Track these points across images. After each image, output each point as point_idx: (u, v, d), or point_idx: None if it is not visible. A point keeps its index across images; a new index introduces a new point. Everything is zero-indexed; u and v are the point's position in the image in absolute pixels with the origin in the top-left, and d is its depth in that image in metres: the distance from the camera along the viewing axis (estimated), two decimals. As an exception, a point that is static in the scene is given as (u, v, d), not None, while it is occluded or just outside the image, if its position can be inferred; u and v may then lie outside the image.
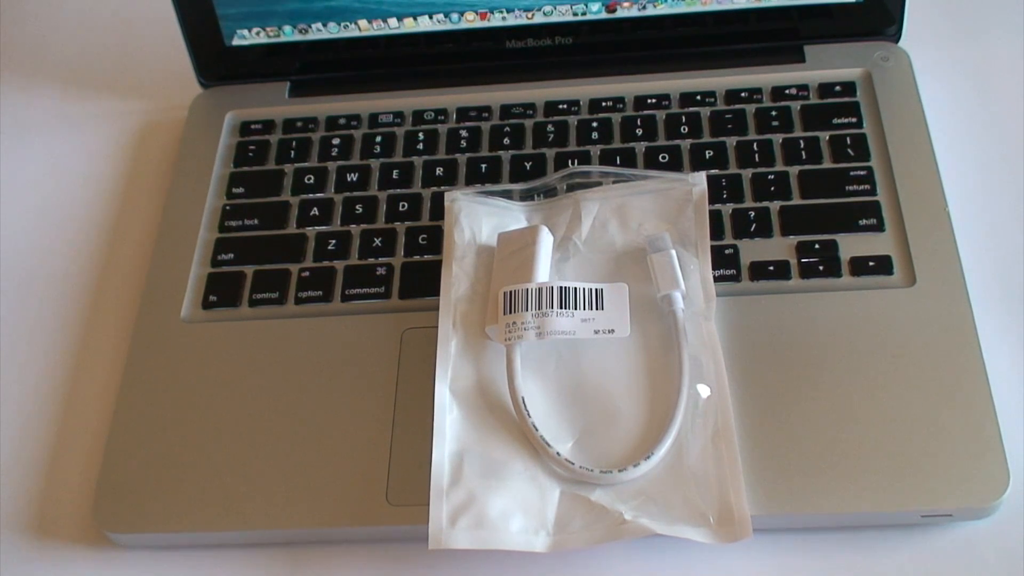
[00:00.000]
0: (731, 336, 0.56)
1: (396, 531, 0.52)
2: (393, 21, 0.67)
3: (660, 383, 0.54)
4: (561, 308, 0.54)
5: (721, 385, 0.53)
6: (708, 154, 0.63)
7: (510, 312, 0.55)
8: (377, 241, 0.62)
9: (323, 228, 0.63)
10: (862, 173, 0.61)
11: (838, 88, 0.65)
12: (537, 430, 0.52)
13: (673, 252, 0.56)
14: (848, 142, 0.62)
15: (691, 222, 0.58)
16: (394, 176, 0.65)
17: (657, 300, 0.56)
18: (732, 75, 0.66)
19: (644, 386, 0.54)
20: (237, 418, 0.56)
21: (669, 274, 0.56)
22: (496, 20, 0.67)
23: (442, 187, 0.64)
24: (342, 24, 0.67)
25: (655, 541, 0.50)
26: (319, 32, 0.68)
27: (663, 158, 0.63)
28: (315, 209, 0.64)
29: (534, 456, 0.52)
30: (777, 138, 0.63)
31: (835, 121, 0.63)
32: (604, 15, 0.66)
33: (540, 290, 0.55)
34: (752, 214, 0.60)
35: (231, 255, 0.63)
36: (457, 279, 0.58)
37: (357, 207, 0.64)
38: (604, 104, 0.66)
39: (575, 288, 0.55)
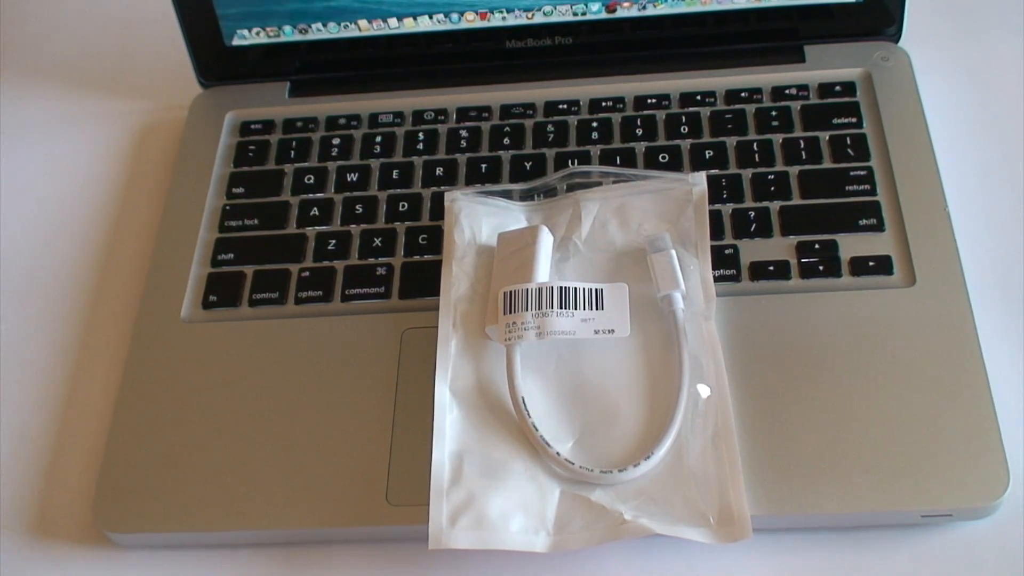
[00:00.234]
0: (731, 336, 0.56)
1: (396, 531, 0.52)
2: (393, 21, 0.67)
3: (660, 383, 0.54)
4: (561, 308, 0.54)
5: (721, 385, 0.53)
6: (708, 154, 0.63)
7: (510, 312, 0.55)
8: (377, 241, 0.62)
9: (323, 228, 0.63)
10: (862, 173, 0.61)
11: (838, 88, 0.65)
12: (537, 430, 0.52)
13: (673, 252, 0.56)
14: (848, 142, 0.62)
15: (691, 222, 0.58)
16: (394, 176, 0.65)
17: (657, 300, 0.56)
18: (732, 75, 0.66)
19: (644, 386, 0.54)
20: (237, 418, 0.56)
21: (669, 274, 0.56)
22: (496, 20, 0.67)
23: (442, 187, 0.64)
24: (342, 24, 0.67)
25: (655, 541, 0.50)
26: (319, 32, 0.68)
27: (663, 158, 0.63)
28: (315, 209, 0.64)
29: (534, 456, 0.52)
30: (777, 138, 0.63)
31: (835, 121, 0.63)
32: (604, 15, 0.66)
33: (540, 290, 0.55)
34: (752, 214, 0.60)
35: (231, 255, 0.63)
36: (457, 279, 0.58)
37: (357, 207, 0.64)
38: (604, 104, 0.66)
39: (575, 288, 0.55)
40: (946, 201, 0.59)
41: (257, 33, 0.68)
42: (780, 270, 0.58)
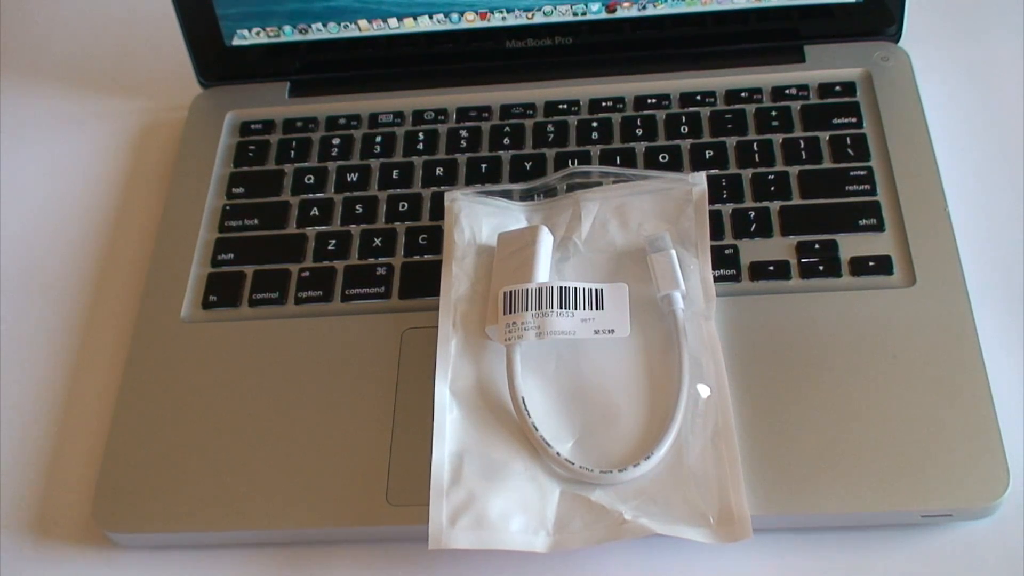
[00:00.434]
0: (731, 336, 0.56)
1: (396, 531, 0.52)
2: (393, 21, 0.67)
3: (660, 383, 0.54)
4: (561, 308, 0.54)
5: (721, 385, 0.53)
6: (708, 154, 0.63)
7: (510, 312, 0.55)
8: (377, 241, 0.62)
9: (323, 228, 0.63)
10: (862, 173, 0.61)
11: (838, 88, 0.65)
12: (537, 430, 0.52)
13: (673, 252, 0.56)
14: (848, 142, 0.62)
15: (691, 222, 0.58)
16: (394, 176, 0.65)
17: (657, 300, 0.56)
18: (732, 75, 0.66)
19: (644, 386, 0.54)
20: (237, 418, 0.56)
21: (669, 274, 0.56)
22: (496, 20, 0.67)
23: (442, 187, 0.64)
24: (342, 24, 0.67)
25: (655, 541, 0.50)
26: (319, 32, 0.68)
27: (663, 158, 0.63)
28: (315, 209, 0.64)
29: (534, 456, 0.52)
30: (777, 138, 0.63)
31: (835, 121, 0.63)
32: (604, 15, 0.66)
33: (540, 290, 0.55)
34: (752, 214, 0.60)
35: (231, 255, 0.63)
36: (457, 279, 0.58)
37: (357, 207, 0.64)
38: (604, 104, 0.66)
39: (575, 288, 0.55)
40: (946, 201, 0.59)
41: (257, 33, 0.68)
42: (780, 270, 0.58)
